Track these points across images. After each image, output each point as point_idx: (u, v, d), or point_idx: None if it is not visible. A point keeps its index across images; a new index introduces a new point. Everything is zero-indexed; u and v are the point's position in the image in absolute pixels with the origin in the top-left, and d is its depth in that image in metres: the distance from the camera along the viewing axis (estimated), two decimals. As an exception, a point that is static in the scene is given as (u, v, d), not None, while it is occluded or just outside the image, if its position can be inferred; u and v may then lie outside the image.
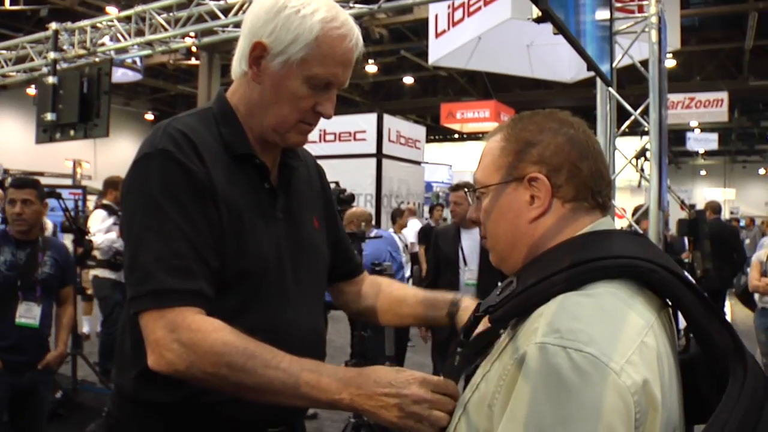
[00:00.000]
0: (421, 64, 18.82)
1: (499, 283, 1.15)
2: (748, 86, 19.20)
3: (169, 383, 1.33)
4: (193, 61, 17.60)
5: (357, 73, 20.59)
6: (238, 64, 1.51)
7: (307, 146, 1.70)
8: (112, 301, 6.50)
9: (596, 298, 0.97)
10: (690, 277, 1.03)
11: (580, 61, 4.55)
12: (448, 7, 8.65)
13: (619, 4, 5.64)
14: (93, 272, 6.76)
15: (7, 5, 14.86)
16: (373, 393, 1.20)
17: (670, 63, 14.68)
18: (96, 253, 6.40)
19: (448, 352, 1.23)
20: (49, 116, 8.04)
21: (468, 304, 1.61)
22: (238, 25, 7.92)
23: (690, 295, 1.00)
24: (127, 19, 9.03)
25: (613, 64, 5.41)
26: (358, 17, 7.63)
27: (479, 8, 8.05)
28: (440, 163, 21.75)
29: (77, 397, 5.71)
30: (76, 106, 7.81)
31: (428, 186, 17.32)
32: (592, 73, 4.74)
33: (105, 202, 6.87)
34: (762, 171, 34.13)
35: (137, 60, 13.24)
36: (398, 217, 9.33)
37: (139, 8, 8.84)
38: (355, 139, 11.42)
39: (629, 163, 5.92)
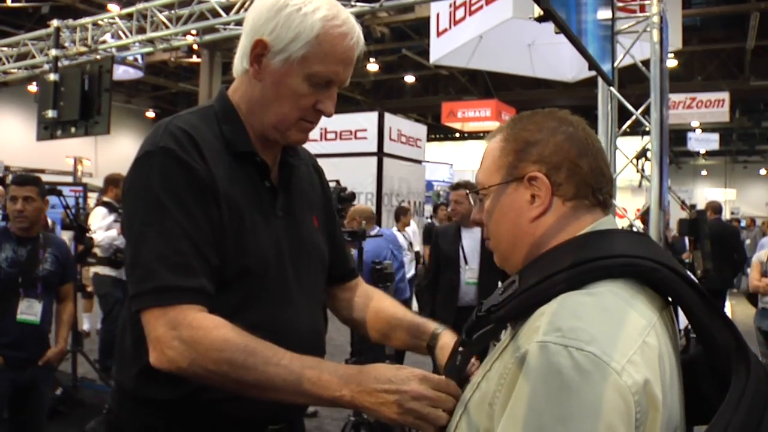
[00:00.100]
0: (422, 62, 18.82)
1: (500, 283, 1.15)
2: (750, 86, 19.19)
3: (170, 380, 1.33)
4: (195, 58, 17.60)
5: (358, 72, 20.61)
6: (239, 61, 1.51)
7: (307, 144, 1.70)
8: (113, 298, 6.50)
9: (598, 297, 0.97)
10: (692, 276, 1.03)
11: (581, 61, 4.55)
12: (450, 5, 8.65)
13: (620, 4, 5.64)
14: (93, 269, 6.77)
15: (8, 2, 14.86)
16: (373, 390, 1.20)
17: (672, 63, 14.68)
18: (96, 250, 6.40)
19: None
20: (50, 113, 8.03)
21: (446, 341, 1.57)
22: (239, 22, 7.92)
23: (692, 294, 1.00)
24: (129, 16, 9.04)
25: (615, 64, 5.41)
26: (359, 16, 7.63)
27: (481, 7, 8.05)
28: (441, 162, 21.71)
29: (77, 394, 5.72)
30: (77, 103, 7.81)
31: (429, 185, 17.30)
32: (593, 73, 4.74)
33: (106, 199, 6.87)
34: (763, 171, 34.10)
35: (138, 57, 13.22)
36: (402, 216, 9.29)
37: (140, 5, 8.85)
38: (356, 137, 11.41)
39: (630, 163, 5.92)
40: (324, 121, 1.61)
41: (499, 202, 1.17)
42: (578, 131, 1.16)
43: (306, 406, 1.70)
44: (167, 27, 8.71)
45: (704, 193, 27.79)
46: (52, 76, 8.23)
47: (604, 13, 4.88)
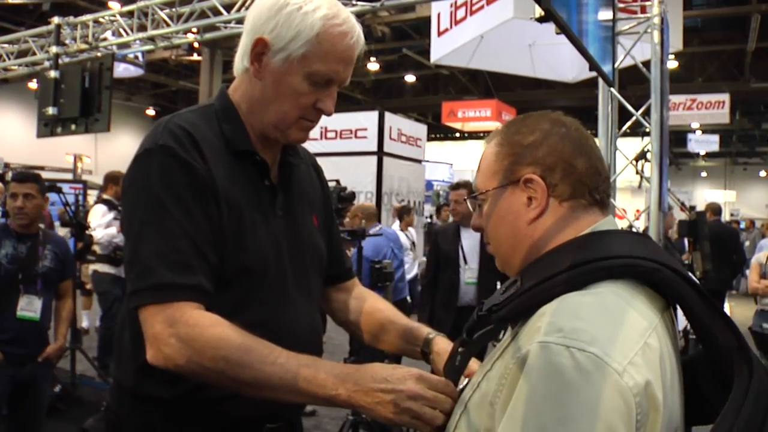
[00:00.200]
0: (422, 62, 18.81)
1: (499, 283, 1.16)
2: (750, 88, 19.18)
3: (168, 378, 1.34)
4: (195, 56, 17.60)
5: (358, 71, 20.62)
6: (240, 60, 1.51)
7: (308, 143, 1.70)
8: (112, 295, 6.50)
9: (599, 298, 0.97)
10: (693, 277, 1.03)
11: (582, 61, 4.55)
12: (451, 5, 8.65)
13: (621, 5, 5.64)
14: (93, 267, 6.77)
15: (9, -1, 14.85)
16: (370, 389, 1.20)
17: (672, 64, 14.67)
18: (96, 248, 6.40)
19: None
20: (51, 110, 8.03)
21: (442, 347, 1.57)
22: (240, 21, 7.92)
23: (693, 294, 1.00)
24: (130, 14, 9.03)
25: (615, 65, 5.40)
26: (360, 15, 7.63)
27: (482, 7, 8.05)
28: (441, 161, 21.72)
29: (76, 391, 5.72)
30: (77, 100, 7.81)
31: (429, 184, 17.31)
32: (594, 73, 4.74)
33: (105, 197, 6.87)
34: (763, 173, 34.10)
35: (139, 55, 13.23)
36: (405, 215, 9.27)
37: (141, 3, 8.84)
38: (356, 136, 11.40)
39: (630, 164, 5.92)
40: (324, 120, 1.61)
41: (496, 206, 1.18)
42: (571, 131, 1.16)
43: (304, 405, 1.70)
44: (168, 25, 8.70)
45: (704, 195, 27.79)
46: (53, 73, 8.23)
47: (605, 14, 4.88)
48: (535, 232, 1.13)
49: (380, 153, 11.26)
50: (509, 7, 7.37)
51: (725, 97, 17.45)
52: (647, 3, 5.38)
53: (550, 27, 3.09)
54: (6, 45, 10.59)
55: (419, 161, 12.96)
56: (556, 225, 1.12)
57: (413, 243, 8.90)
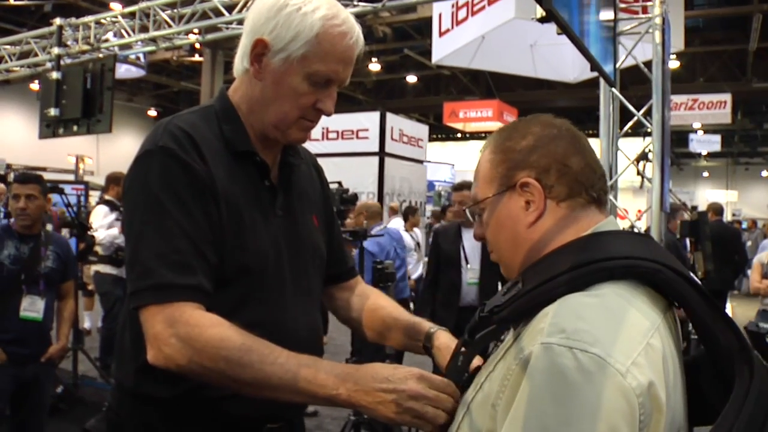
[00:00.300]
0: (424, 62, 18.82)
1: (500, 284, 1.16)
2: (752, 88, 19.19)
3: (169, 378, 1.34)
4: (197, 57, 17.63)
5: (360, 72, 20.64)
6: (240, 61, 1.52)
7: (309, 144, 1.70)
8: (113, 296, 6.51)
9: (601, 299, 0.97)
10: (695, 277, 1.03)
11: (583, 62, 4.55)
12: (452, 6, 8.65)
13: (623, 5, 5.63)
14: (94, 268, 6.77)
15: (11, 0, 14.88)
16: (371, 389, 1.20)
17: (674, 64, 14.67)
18: (98, 248, 6.41)
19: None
20: (53, 111, 8.04)
21: (443, 341, 1.57)
22: (241, 22, 7.92)
23: (695, 295, 1.00)
24: (131, 15, 9.04)
25: (617, 65, 5.41)
26: (361, 15, 7.63)
27: (483, 7, 8.05)
28: (443, 162, 21.73)
29: (78, 391, 5.73)
30: (79, 101, 7.82)
31: (430, 185, 17.31)
32: (595, 74, 4.74)
33: (107, 197, 6.88)
34: (765, 173, 34.08)
35: (141, 56, 13.23)
36: (411, 216, 9.24)
37: (143, 4, 8.84)
38: (357, 137, 11.41)
39: (632, 164, 5.92)
40: (326, 121, 1.62)
41: (495, 213, 1.18)
42: (563, 132, 1.17)
43: (305, 405, 1.71)
44: (170, 26, 8.71)
45: (706, 195, 27.79)
46: (55, 75, 8.24)
47: (607, 14, 4.88)
48: (535, 235, 1.14)
49: (382, 153, 11.27)
50: (510, 7, 7.37)
51: (727, 97, 17.44)
52: (648, 3, 5.38)
53: (552, 27, 3.10)
54: (8, 46, 10.60)
55: (421, 162, 12.96)
56: (555, 226, 1.13)
57: (418, 243, 8.89)
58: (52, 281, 3.81)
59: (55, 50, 8.91)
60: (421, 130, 13.28)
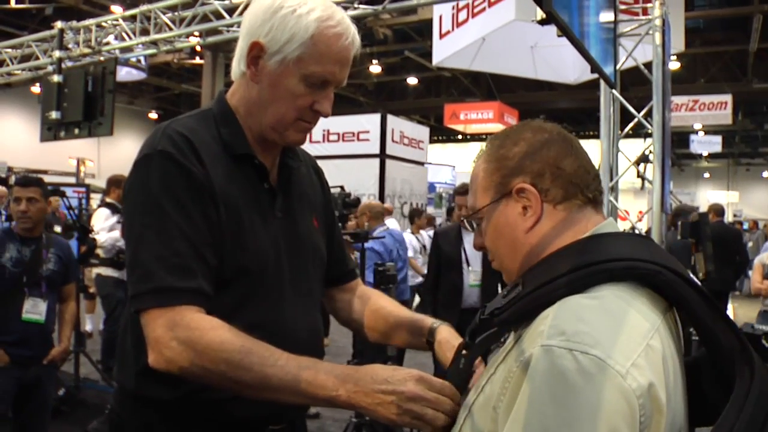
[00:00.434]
0: (424, 64, 18.83)
1: (499, 286, 1.16)
2: (752, 89, 19.18)
3: (170, 380, 1.35)
4: (198, 60, 17.64)
5: (361, 74, 20.66)
6: (237, 65, 1.53)
7: (310, 146, 1.71)
8: (115, 299, 6.51)
9: (601, 301, 0.97)
10: (695, 278, 1.03)
11: (584, 63, 4.55)
12: (453, 8, 8.65)
13: (623, 7, 5.64)
14: (96, 270, 6.78)
15: (12, 3, 14.90)
16: (370, 390, 1.21)
17: (674, 65, 14.67)
18: (99, 251, 6.41)
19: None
20: (54, 114, 8.05)
21: (444, 335, 1.58)
22: (242, 24, 7.92)
23: (695, 296, 1.01)
24: (132, 18, 9.05)
25: (617, 66, 5.41)
26: (362, 18, 7.64)
27: (483, 9, 8.05)
28: (443, 163, 21.74)
29: (80, 394, 5.73)
30: (80, 104, 7.82)
31: (431, 186, 17.33)
32: (596, 75, 4.74)
33: (108, 200, 6.88)
34: (766, 174, 34.06)
35: (141, 59, 13.24)
36: (416, 218, 9.21)
37: (144, 7, 8.86)
38: (358, 139, 11.44)
39: (633, 166, 5.93)
40: (326, 123, 1.62)
41: (493, 220, 1.19)
42: (554, 136, 1.17)
43: (307, 407, 1.71)
44: (170, 29, 8.72)
45: (707, 196, 27.79)
46: (56, 78, 8.25)
47: (607, 16, 4.88)
48: (534, 239, 1.14)
49: (383, 155, 11.29)
50: (511, 9, 7.37)
51: (727, 98, 17.45)
52: (648, 5, 5.39)
53: (552, 29, 3.10)
54: (9, 50, 10.61)
55: (422, 163, 12.98)
56: (553, 229, 1.13)
57: (424, 246, 8.88)
58: (53, 283, 3.83)
59: (57, 53, 8.92)
60: (422, 131, 13.30)
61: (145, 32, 8.97)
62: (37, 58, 10.06)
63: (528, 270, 1.12)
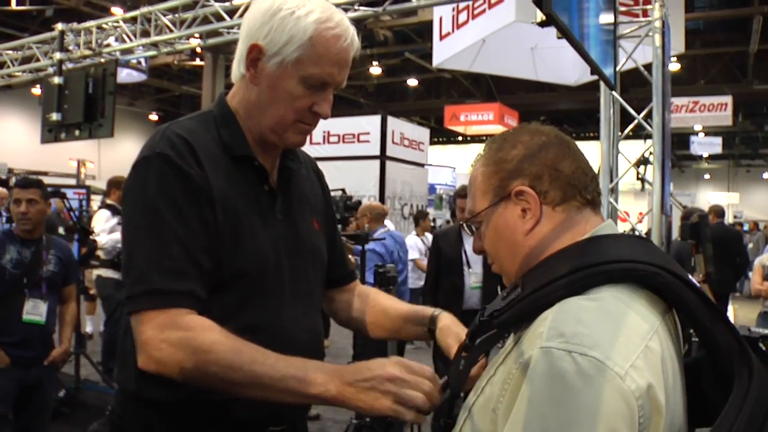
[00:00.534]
0: (425, 66, 18.84)
1: (499, 287, 1.17)
2: (753, 90, 19.19)
3: (170, 381, 1.35)
4: (198, 61, 17.66)
5: (361, 75, 20.68)
6: (237, 67, 1.53)
7: (310, 148, 1.71)
8: (115, 300, 6.51)
9: (600, 302, 0.97)
10: (693, 280, 1.04)
11: (584, 64, 4.56)
12: (453, 9, 8.65)
13: (623, 8, 5.64)
14: (96, 272, 6.78)
15: (13, 5, 14.91)
16: (354, 381, 1.23)
17: (674, 66, 14.68)
18: (99, 252, 6.41)
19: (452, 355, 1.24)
20: (55, 116, 8.06)
21: (446, 323, 1.61)
22: (242, 26, 7.93)
23: (694, 298, 1.01)
24: (133, 20, 9.06)
25: (617, 68, 5.41)
26: (362, 19, 7.65)
27: (483, 11, 8.05)
28: (444, 165, 21.76)
29: (80, 395, 5.74)
30: (81, 106, 7.83)
31: (432, 188, 17.34)
32: (596, 76, 4.75)
33: (109, 202, 6.89)
34: (766, 175, 34.07)
35: (142, 60, 13.24)
36: (421, 220, 9.21)
37: (144, 9, 8.87)
38: (358, 140, 11.44)
39: (633, 167, 5.93)
40: (327, 125, 1.63)
41: (492, 223, 1.19)
42: (551, 138, 1.18)
43: (308, 408, 1.71)
44: (171, 31, 8.73)
45: (707, 197, 27.79)
46: (57, 79, 8.26)
47: (607, 18, 4.89)
48: (533, 241, 1.15)
49: (383, 157, 11.29)
50: (511, 10, 7.37)
51: (728, 99, 17.46)
52: (648, 6, 5.39)
53: (552, 30, 3.10)
54: (10, 51, 10.62)
55: (422, 165, 12.99)
56: (552, 231, 1.13)
57: (429, 248, 8.87)
58: (54, 285, 3.83)
59: (57, 55, 8.93)
60: (422, 133, 13.31)
61: (145, 34, 8.98)
62: (38, 60, 10.07)
63: (527, 272, 1.12)
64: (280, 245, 1.54)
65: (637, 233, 5.42)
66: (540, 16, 2.82)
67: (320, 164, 1.89)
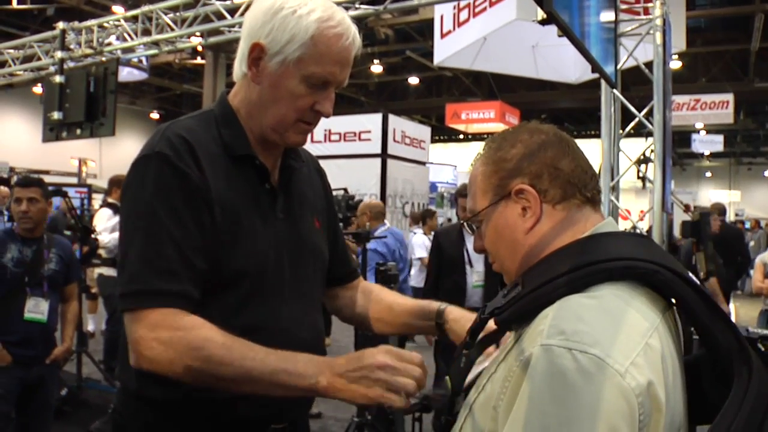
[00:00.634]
0: (426, 64, 18.85)
1: (500, 286, 1.17)
2: (754, 88, 19.18)
3: (171, 380, 1.35)
4: (199, 60, 17.66)
5: (362, 74, 20.67)
6: (238, 66, 1.53)
7: (311, 146, 1.71)
8: (117, 299, 6.50)
9: (600, 300, 0.98)
10: (694, 278, 1.04)
11: (585, 62, 4.55)
12: (454, 7, 8.65)
13: (624, 6, 5.64)
14: (98, 270, 6.79)
15: (14, 4, 14.92)
16: (345, 371, 1.25)
17: (676, 64, 14.66)
18: (101, 251, 6.42)
19: (453, 353, 1.24)
20: (56, 115, 8.06)
21: (457, 315, 1.63)
22: (243, 24, 7.93)
23: (694, 296, 1.01)
24: (134, 18, 9.06)
25: (618, 66, 5.41)
26: (363, 18, 7.64)
27: (485, 9, 8.05)
28: (445, 163, 21.75)
29: (82, 394, 5.74)
30: (82, 105, 7.83)
31: (433, 186, 17.33)
32: (597, 75, 4.74)
33: (110, 200, 6.89)
34: (767, 173, 34.03)
35: (143, 59, 13.25)
36: (428, 218, 9.20)
37: (145, 8, 8.87)
38: (360, 139, 11.43)
39: (633, 165, 5.92)
40: (328, 123, 1.63)
41: (493, 223, 1.19)
42: (551, 137, 1.18)
43: (309, 406, 1.72)
44: (172, 29, 8.73)
45: (708, 195, 27.77)
46: (58, 78, 8.26)
47: (608, 16, 4.88)
48: (533, 239, 1.15)
49: (384, 155, 11.28)
50: (512, 8, 7.37)
51: (729, 97, 17.44)
52: (649, 4, 5.39)
53: (553, 28, 3.10)
54: (11, 50, 10.63)
55: (423, 163, 12.98)
56: (553, 230, 1.14)
57: None
58: (55, 283, 3.84)
59: (59, 54, 8.93)
60: (424, 131, 13.30)
61: (146, 33, 8.98)
62: (39, 59, 10.08)
63: (528, 270, 1.13)
64: (280, 244, 1.54)
65: (638, 231, 5.41)
66: (541, 14, 2.82)
67: (321, 162, 1.89)
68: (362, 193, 9.79)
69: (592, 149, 5.36)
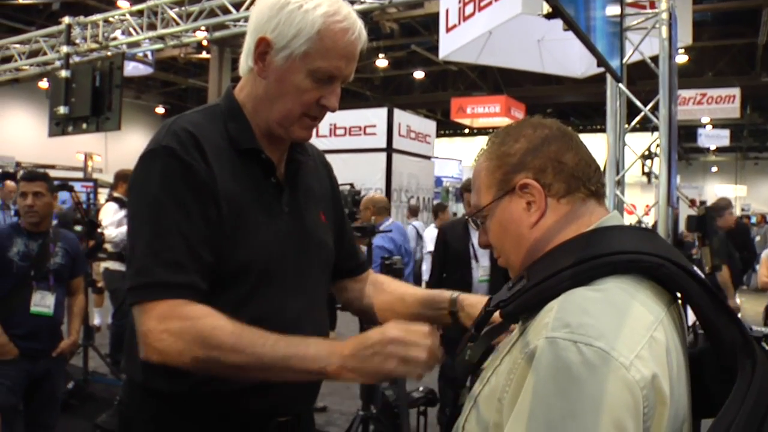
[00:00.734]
0: (431, 58, 18.79)
1: (504, 282, 1.17)
2: (761, 82, 19.09)
3: (177, 372, 1.36)
4: (204, 54, 17.65)
5: (367, 68, 20.64)
6: (244, 60, 1.54)
7: (317, 140, 1.72)
8: (123, 293, 6.47)
9: (605, 293, 0.98)
10: (699, 272, 1.04)
11: (590, 57, 4.53)
12: (459, 1, 8.62)
13: (630, 0, 5.61)
14: (104, 264, 6.81)
15: (19, -1, 14.94)
16: (357, 350, 1.26)
17: (682, 58, 14.62)
18: (107, 245, 6.44)
19: (456, 347, 1.25)
20: (62, 109, 8.09)
21: (471, 301, 1.64)
22: (249, 19, 7.94)
23: (698, 289, 1.01)
24: (140, 13, 9.08)
25: (624, 60, 5.38)
26: (369, 12, 7.64)
27: (490, 3, 8.01)
28: (450, 157, 21.72)
29: (88, 387, 5.77)
30: (88, 99, 7.86)
31: (438, 181, 17.31)
32: (602, 69, 4.72)
33: (116, 194, 6.91)
34: (774, 168, 33.92)
35: (148, 53, 13.27)
36: (440, 212, 9.19)
37: (151, 2, 8.89)
38: (365, 133, 11.43)
39: (639, 159, 5.90)
40: (333, 117, 1.63)
41: (498, 218, 1.20)
42: (554, 131, 1.18)
43: (314, 399, 1.72)
44: (177, 24, 8.75)
45: (714, 190, 27.67)
46: (64, 73, 8.28)
47: (613, 10, 4.86)
48: (538, 234, 1.15)
49: (389, 150, 11.28)
50: (517, 2, 7.33)
51: (736, 92, 17.37)
52: (656, -2, 5.36)
53: (559, 22, 3.09)
54: (17, 45, 10.66)
55: (428, 158, 12.97)
56: (557, 224, 1.14)
57: None
58: (61, 277, 3.85)
59: (64, 49, 8.96)
60: (429, 125, 13.29)
61: (152, 27, 9.00)
62: (45, 54, 10.12)
63: (532, 263, 1.13)
64: (285, 238, 1.55)
65: (643, 225, 5.40)
66: (546, 8, 2.81)
67: (326, 157, 1.89)
68: (367, 187, 9.80)
69: (597, 144, 5.35)
